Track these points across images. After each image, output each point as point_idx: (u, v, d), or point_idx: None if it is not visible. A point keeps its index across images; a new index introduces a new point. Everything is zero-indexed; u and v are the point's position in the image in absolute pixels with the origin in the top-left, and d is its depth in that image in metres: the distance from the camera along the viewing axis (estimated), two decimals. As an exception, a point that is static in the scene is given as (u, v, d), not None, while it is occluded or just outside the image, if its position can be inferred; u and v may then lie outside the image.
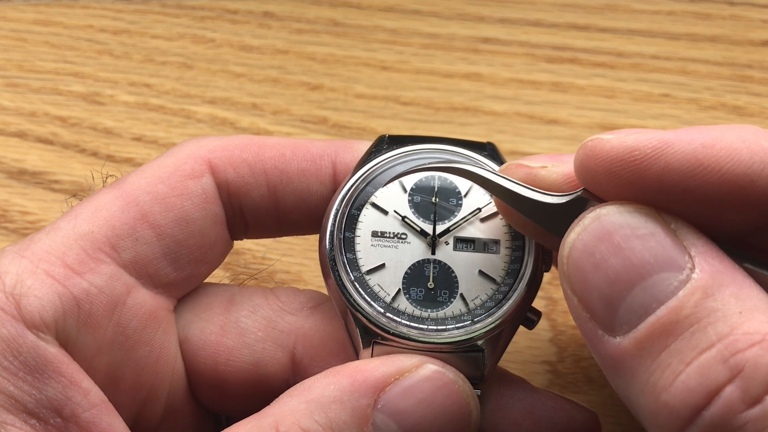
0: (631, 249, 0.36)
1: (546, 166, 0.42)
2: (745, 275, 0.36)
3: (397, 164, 0.47)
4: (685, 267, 0.36)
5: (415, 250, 0.45)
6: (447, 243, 0.46)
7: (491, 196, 0.46)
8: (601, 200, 0.39)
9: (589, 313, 0.37)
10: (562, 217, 0.40)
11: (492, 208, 0.46)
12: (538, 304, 0.47)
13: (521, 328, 0.46)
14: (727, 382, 0.33)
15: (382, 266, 0.45)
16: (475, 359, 0.44)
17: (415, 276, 0.45)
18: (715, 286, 0.35)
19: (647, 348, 0.35)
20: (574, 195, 0.40)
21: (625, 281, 0.36)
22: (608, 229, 0.37)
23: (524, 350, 0.59)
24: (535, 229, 0.43)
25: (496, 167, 0.46)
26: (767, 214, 0.37)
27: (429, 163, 0.44)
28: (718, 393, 0.33)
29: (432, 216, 0.46)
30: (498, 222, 0.46)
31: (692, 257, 0.36)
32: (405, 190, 0.46)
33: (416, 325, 0.44)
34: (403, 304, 0.45)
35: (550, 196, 0.41)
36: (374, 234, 0.46)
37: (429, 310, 0.45)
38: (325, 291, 0.47)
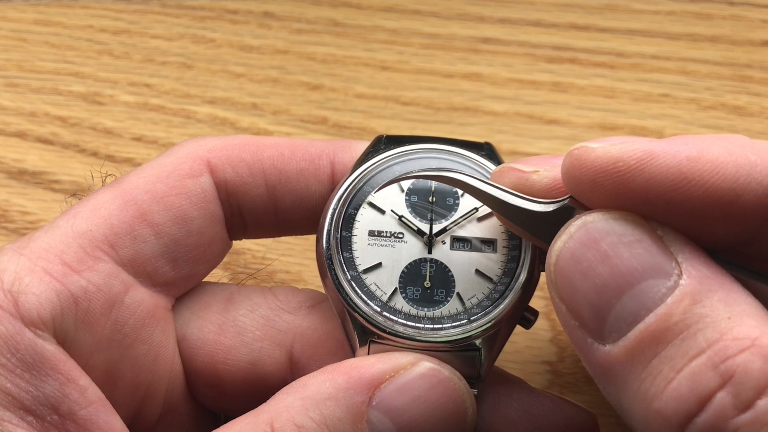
0: (618, 256, 0.36)
1: (538, 170, 0.42)
2: (732, 280, 0.36)
3: (395, 164, 0.47)
4: (672, 273, 0.36)
5: (411, 250, 0.45)
6: (444, 242, 0.46)
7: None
8: (588, 208, 0.39)
9: (577, 321, 0.37)
10: (550, 224, 0.40)
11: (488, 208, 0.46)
12: (537, 304, 0.47)
13: (521, 327, 0.46)
14: (719, 388, 0.33)
15: (379, 265, 0.45)
16: (471, 358, 0.44)
17: (411, 275, 0.45)
18: (703, 291, 0.35)
19: (637, 355, 0.35)
20: (562, 203, 0.41)
21: (613, 289, 0.36)
22: (595, 237, 0.37)
23: (524, 350, 0.59)
24: (527, 234, 0.43)
25: (493, 167, 0.46)
26: (755, 227, 0.37)
27: (417, 171, 0.44)
28: (710, 399, 0.33)
29: (429, 215, 0.46)
30: (495, 221, 0.46)
31: (679, 263, 0.36)
32: (402, 190, 0.46)
33: (413, 324, 0.44)
34: (400, 303, 0.45)
35: (538, 204, 0.41)
36: (371, 233, 0.46)
37: (425, 309, 0.45)
38: (323, 290, 0.47)
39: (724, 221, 0.37)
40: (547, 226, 0.40)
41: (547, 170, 0.42)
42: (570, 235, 0.37)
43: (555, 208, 0.41)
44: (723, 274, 0.36)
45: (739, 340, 0.34)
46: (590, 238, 0.37)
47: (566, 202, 0.40)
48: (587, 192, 0.38)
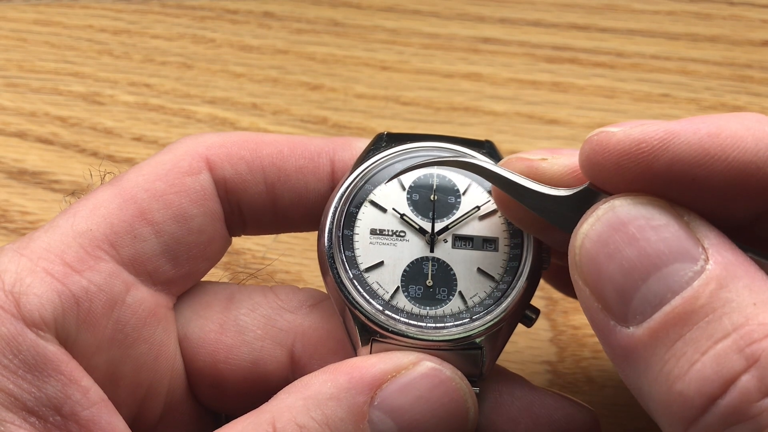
0: (646, 239, 0.36)
1: (546, 158, 0.42)
2: (756, 268, 0.36)
3: (396, 162, 0.47)
4: (699, 258, 0.36)
5: (413, 248, 0.45)
6: (446, 241, 0.46)
7: (490, 192, 0.46)
8: (607, 193, 0.39)
9: (601, 304, 0.37)
10: (569, 210, 0.40)
11: (491, 206, 0.46)
12: (538, 304, 0.47)
13: (521, 327, 0.46)
14: (743, 371, 0.33)
15: (381, 264, 0.45)
16: (473, 357, 0.44)
17: (413, 274, 0.45)
18: (729, 277, 0.35)
19: (662, 337, 0.35)
20: (581, 188, 0.40)
21: (640, 271, 0.36)
22: (623, 220, 0.37)
23: (524, 350, 0.59)
24: (534, 225, 0.43)
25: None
26: None
27: (436, 158, 0.44)
28: (734, 382, 0.33)
29: (430, 214, 0.46)
30: (497, 220, 0.46)
31: (705, 249, 0.36)
32: (404, 188, 0.46)
33: (415, 322, 0.44)
34: (402, 301, 0.45)
35: (555, 190, 0.41)
36: (373, 232, 0.46)
37: (428, 307, 0.45)
38: (324, 289, 0.47)
39: (744, 196, 0.37)
40: (566, 211, 0.40)
41: (556, 158, 0.42)
42: (597, 218, 0.38)
43: (573, 193, 0.41)
44: (747, 261, 0.36)
45: (765, 325, 0.34)
46: (618, 221, 0.37)
47: (585, 187, 0.40)
48: (610, 177, 0.38)
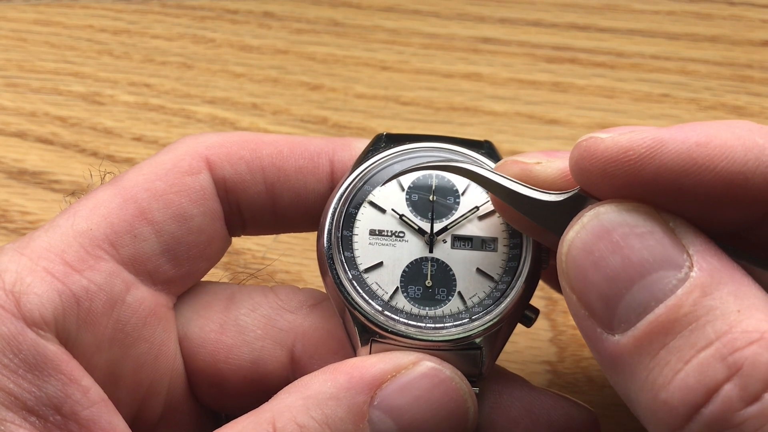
0: (629, 247, 0.36)
1: (540, 162, 0.42)
2: (743, 273, 0.36)
3: (395, 163, 0.47)
4: (683, 265, 0.36)
5: (412, 249, 0.45)
6: (445, 241, 0.46)
7: (488, 193, 0.46)
8: (597, 198, 0.39)
9: (587, 311, 0.37)
10: (560, 214, 0.40)
11: (490, 206, 0.46)
12: (538, 304, 0.47)
13: (521, 327, 0.46)
14: (726, 380, 0.33)
15: (380, 264, 0.45)
16: (473, 357, 0.44)
17: (413, 274, 0.45)
18: (713, 284, 0.35)
19: (646, 346, 0.35)
20: (572, 193, 0.40)
21: (624, 279, 0.36)
22: (607, 228, 0.37)
23: (524, 350, 0.59)
24: (532, 227, 0.43)
25: (493, 165, 0.46)
26: (762, 210, 0.37)
27: (427, 162, 0.44)
28: (717, 391, 0.33)
29: (430, 214, 0.46)
30: (496, 220, 0.46)
31: (690, 255, 0.36)
32: (403, 189, 0.46)
33: (414, 323, 0.44)
34: (401, 302, 0.45)
35: (547, 194, 0.41)
36: (372, 232, 0.46)
37: (427, 308, 0.45)
38: (324, 289, 0.47)
39: (733, 206, 0.37)
40: (557, 216, 0.40)
41: (550, 161, 0.42)
42: (582, 226, 0.38)
43: (565, 198, 0.41)
44: (734, 266, 0.36)
45: (748, 333, 0.34)
46: (602, 229, 0.37)
47: (576, 191, 0.40)
48: (597, 183, 0.38)
